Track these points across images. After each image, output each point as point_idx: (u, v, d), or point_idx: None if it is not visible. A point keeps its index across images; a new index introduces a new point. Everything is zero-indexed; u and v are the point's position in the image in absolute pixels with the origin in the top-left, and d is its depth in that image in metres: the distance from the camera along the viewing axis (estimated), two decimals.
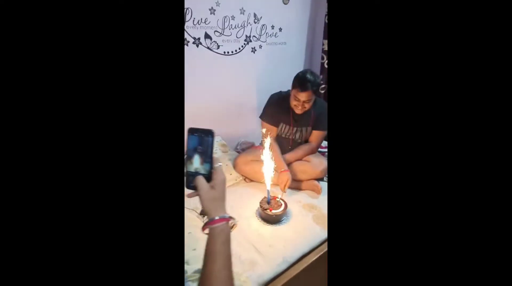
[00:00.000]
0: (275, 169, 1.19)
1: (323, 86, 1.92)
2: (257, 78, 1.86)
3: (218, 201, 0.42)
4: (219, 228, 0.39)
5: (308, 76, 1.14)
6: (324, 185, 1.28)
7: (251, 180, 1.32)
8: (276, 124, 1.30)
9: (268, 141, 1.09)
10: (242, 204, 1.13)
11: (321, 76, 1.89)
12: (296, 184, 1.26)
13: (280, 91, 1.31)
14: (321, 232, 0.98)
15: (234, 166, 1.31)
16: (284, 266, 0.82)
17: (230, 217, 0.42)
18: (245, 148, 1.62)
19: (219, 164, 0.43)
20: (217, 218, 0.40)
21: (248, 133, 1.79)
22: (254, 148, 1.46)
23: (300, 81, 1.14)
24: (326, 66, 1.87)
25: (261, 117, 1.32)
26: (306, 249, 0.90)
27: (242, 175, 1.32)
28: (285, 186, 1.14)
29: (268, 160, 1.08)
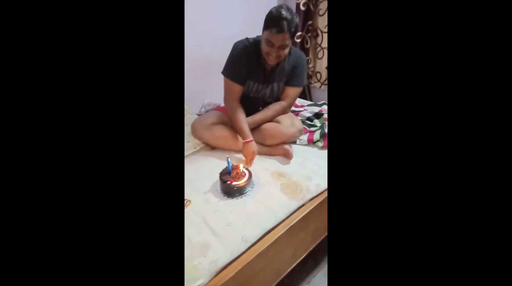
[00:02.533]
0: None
1: (299, 33, 1.64)
2: (225, 24, 1.53)
3: None
4: None
5: (284, 13, 0.88)
6: (296, 148, 1.13)
7: (214, 148, 1.14)
8: (241, 82, 1.06)
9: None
10: (200, 176, 0.97)
11: (297, 19, 1.60)
12: (265, 150, 1.11)
13: (247, 38, 1.04)
14: (289, 202, 0.86)
15: (192, 132, 1.11)
16: (242, 248, 0.70)
17: None
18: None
19: None
20: None
21: (215, 93, 1.54)
22: (215, 109, 1.24)
23: (274, 20, 0.88)
24: (302, 7, 1.57)
25: (223, 73, 1.07)
26: (269, 224, 0.78)
27: (203, 142, 1.13)
28: (250, 159, 0.98)
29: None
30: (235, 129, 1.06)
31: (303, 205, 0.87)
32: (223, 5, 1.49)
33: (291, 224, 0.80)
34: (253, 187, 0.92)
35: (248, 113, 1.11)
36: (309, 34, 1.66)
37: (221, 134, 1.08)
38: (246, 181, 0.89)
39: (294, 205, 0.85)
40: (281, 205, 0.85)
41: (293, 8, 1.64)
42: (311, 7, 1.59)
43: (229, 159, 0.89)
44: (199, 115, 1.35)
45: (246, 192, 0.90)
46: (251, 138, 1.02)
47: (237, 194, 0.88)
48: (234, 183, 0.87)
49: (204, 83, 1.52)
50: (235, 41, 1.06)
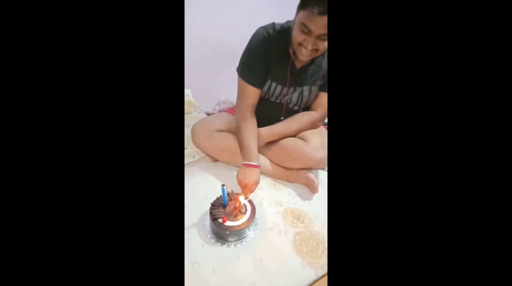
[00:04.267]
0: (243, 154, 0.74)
1: None
2: (250, 4, 1.26)
3: None
4: None
5: None
6: (323, 176, 0.84)
7: (217, 160, 0.89)
8: (259, 84, 0.78)
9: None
10: (190, 199, 0.72)
11: None
12: (282, 174, 0.82)
13: (273, 24, 0.75)
14: (302, 270, 0.57)
15: (192, 137, 0.87)
16: None
17: None
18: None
19: None
20: None
21: (234, 89, 1.29)
22: (227, 110, 0.98)
23: None
24: None
25: (237, 70, 0.79)
26: None
27: (203, 151, 0.89)
28: (248, 192, 0.68)
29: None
30: (238, 143, 0.78)
31: (323, 276, 0.58)
32: None
33: None
34: (255, 230, 0.65)
35: (266, 123, 0.83)
36: None
37: (226, 145, 0.82)
38: (246, 221, 0.62)
39: (310, 276, 0.56)
40: (290, 273, 0.56)
41: None
42: None
43: (225, 188, 0.62)
44: (208, 114, 1.10)
45: (244, 237, 0.63)
46: (256, 163, 0.71)
47: (230, 239, 0.62)
48: (228, 223, 0.61)
49: (222, 75, 1.26)
50: (260, 26, 0.78)
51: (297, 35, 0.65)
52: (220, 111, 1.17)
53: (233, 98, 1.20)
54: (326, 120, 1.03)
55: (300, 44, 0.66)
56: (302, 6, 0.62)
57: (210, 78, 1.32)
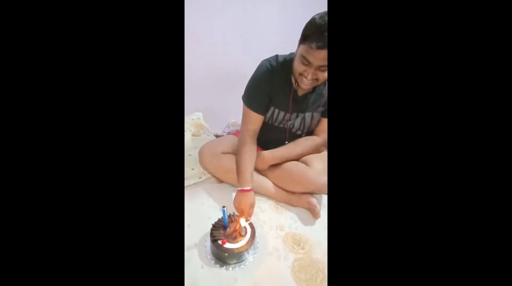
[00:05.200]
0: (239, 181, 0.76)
1: None
2: (260, 32, 1.36)
3: None
4: None
5: None
6: (326, 201, 0.83)
7: (222, 181, 0.91)
8: (262, 111, 0.82)
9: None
10: (193, 218, 0.74)
11: None
12: (284, 197, 0.83)
13: (276, 56, 0.81)
14: None
15: (199, 158, 0.91)
16: None
17: None
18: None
19: None
20: None
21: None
22: (234, 133, 1.03)
23: (316, 31, 0.63)
24: None
25: (242, 98, 0.85)
26: None
27: (209, 172, 0.92)
28: (249, 215, 0.70)
29: None
30: (236, 167, 0.81)
31: None
32: (260, 11, 1.32)
33: None
34: (255, 253, 0.65)
35: (270, 146, 0.86)
36: None
37: (231, 167, 0.84)
38: (245, 245, 0.63)
39: None
40: None
41: None
42: None
43: (225, 210, 0.64)
44: (217, 136, 1.15)
45: (243, 260, 0.63)
46: (249, 187, 0.74)
47: (228, 262, 0.62)
48: (228, 245, 0.62)
49: (232, 98, 1.33)
50: (272, 51, 0.84)
51: (298, 66, 0.70)
52: (229, 133, 1.22)
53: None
54: None
55: (301, 74, 0.71)
56: (302, 41, 0.68)
57: (221, 101, 1.40)
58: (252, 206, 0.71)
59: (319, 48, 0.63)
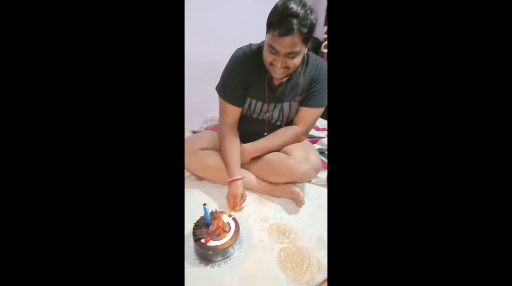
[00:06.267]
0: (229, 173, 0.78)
1: (326, 42, 1.37)
2: (234, 22, 1.32)
3: None
4: None
5: (294, 7, 0.62)
6: (310, 189, 0.84)
7: (202, 178, 0.89)
8: (238, 102, 0.80)
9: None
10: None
11: (325, 28, 1.34)
12: (267, 188, 0.83)
13: (250, 45, 0.78)
14: None
15: None
16: None
17: None
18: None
19: None
20: None
21: None
22: (211, 128, 1.00)
23: (279, 17, 0.62)
24: None
25: (216, 89, 0.82)
26: None
27: (188, 170, 0.89)
28: (234, 206, 0.71)
29: None
30: (223, 161, 0.80)
31: None
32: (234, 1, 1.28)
33: None
34: (240, 248, 0.64)
35: (250, 138, 0.85)
36: None
37: (211, 163, 0.82)
38: (230, 240, 0.61)
39: None
40: None
41: (322, 13, 1.38)
42: None
43: (206, 207, 0.62)
44: (194, 132, 1.11)
45: (228, 256, 0.62)
46: (238, 176, 0.75)
47: (214, 260, 0.61)
48: (212, 243, 0.60)
49: (208, 92, 1.29)
50: (247, 42, 0.81)
51: (267, 56, 0.69)
52: (207, 128, 1.19)
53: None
54: (309, 133, 1.05)
55: (271, 64, 0.69)
56: (267, 29, 0.66)
57: (197, 95, 1.35)
58: (241, 196, 0.74)
59: (282, 35, 0.62)
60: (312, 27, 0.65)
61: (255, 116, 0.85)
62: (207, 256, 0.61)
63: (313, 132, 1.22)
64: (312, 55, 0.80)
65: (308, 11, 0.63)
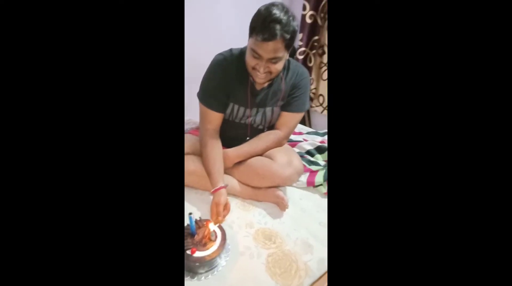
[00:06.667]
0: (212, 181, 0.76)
1: (301, 49, 1.42)
2: (221, 22, 1.29)
3: None
4: None
5: (277, 12, 0.63)
6: (292, 192, 0.85)
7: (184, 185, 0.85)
8: (220, 108, 0.79)
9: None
10: None
11: (301, 35, 1.38)
12: (251, 193, 0.82)
13: (230, 49, 0.78)
14: None
15: None
16: None
17: None
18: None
19: None
20: None
21: (198, 108, 1.27)
22: (190, 132, 0.96)
23: (262, 22, 0.63)
24: (308, 20, 1.36)
25: (198, 96, 0.80)
26: None
27: None
28: (217, 216, 0.69)
29: None
30: (205, 170, 0.77)
31: None
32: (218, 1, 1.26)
33: None
34: (227, 257, 0.62)
35: (232, 142, 0.84)
36: (314, 51, 1.45)
37: (192, 169, 0.79)
38: (216, 250, 0.59)
39: None
40: None
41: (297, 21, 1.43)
42: (319, 20, 1.38)
43: (192, 217, 0.59)
44: None
45: (215, 266, 0.60)
46: (221, 184, 0.73)
47: (200, 271, 0.58)
48: (197, 254, 0.58)
49: (188, 94, 1.24)
50: (231, 44, 0.79)
51: (249, 60, 0.69)
52: (186, 132, 1.14)
53: (197, 118, 1.18)
54: (290, 138, 1.07)
55: (253, 68, 0.70)
56: (250, 33, 0.66)
57: None
58: (226, 205, 0.72)
59: (265, 40, 0.62)
60: (294, 33, 0.66)
61: (237, 120, 0.84)
62: (192, 268, 0.58)
63: (290, 137, 1.24)
64: (293, 61, 0.82)
65: (291, 18, 0.65)
